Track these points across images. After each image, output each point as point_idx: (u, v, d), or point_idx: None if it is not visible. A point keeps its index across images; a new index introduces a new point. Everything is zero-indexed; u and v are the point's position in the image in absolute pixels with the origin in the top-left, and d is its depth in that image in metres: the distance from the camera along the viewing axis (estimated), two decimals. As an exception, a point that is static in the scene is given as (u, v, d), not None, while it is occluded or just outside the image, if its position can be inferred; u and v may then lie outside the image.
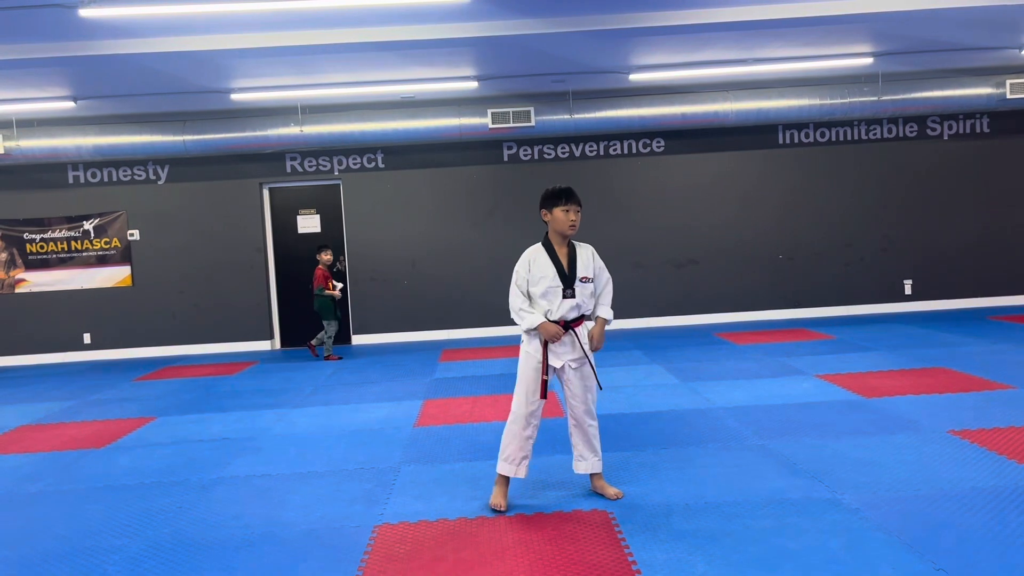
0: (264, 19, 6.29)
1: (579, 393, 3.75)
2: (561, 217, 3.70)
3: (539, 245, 3.79)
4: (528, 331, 3.73)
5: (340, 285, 9.00)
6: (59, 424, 6.26)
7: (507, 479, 3.78)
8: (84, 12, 5.72)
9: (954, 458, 4.12)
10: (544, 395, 3.71)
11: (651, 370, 7.10)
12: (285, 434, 5.50)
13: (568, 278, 3.70)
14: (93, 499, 4.26)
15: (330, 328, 8.86)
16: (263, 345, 10.10)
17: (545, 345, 3.69)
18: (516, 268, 3.76)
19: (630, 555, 3.14)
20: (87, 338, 10.02)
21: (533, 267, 3.73)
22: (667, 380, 6.61)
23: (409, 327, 10.06)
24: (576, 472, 3.85)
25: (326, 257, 8.87)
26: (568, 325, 3.71)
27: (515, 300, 3.73)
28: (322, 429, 5.59)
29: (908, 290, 10.24)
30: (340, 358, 8.87)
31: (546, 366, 3.69)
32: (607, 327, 3.84)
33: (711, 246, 10.11)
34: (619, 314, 9.90)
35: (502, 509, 3.70)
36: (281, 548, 3.41)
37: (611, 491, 3.79)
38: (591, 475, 3.87)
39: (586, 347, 3.73)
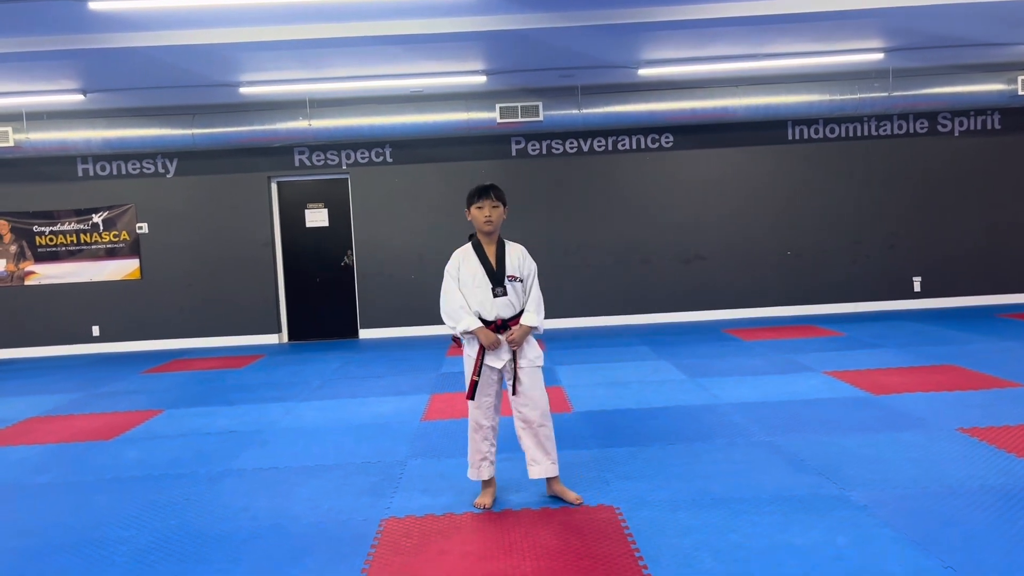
0: (273, 13, 6.30)
1: (532, 395, 3.68)
2: (476, 215, 3.71)
3: (468, 245, 3.78)
4: (464, 334, 3.69)
5: None
6: (68, 416, 6.29)
7: (488, 480, 3.77)
8: (94, 5, 5.73)
9: (962, 456, 4.10)
10: (472, 396, 3.68)
11: (658, 366, 7.09)
12: (292, 427, 5.52)
13: (497, 276, 3.68)
14: (101, 491, 4.28)
15: None
16: (271, 339, 10.12)
17: (482, 347, 3.66)
18: (447, 268, 3.75)
19: (636, 550, 3.13)
20: (96, 330, 10.06)
21: (463, 267, 3.72)
22: (674, 376, 6.60)
23: (416, 321, 10.06)
24: (531, 477, 3.76)
25: None
26: (506, 324, 3.68)
27: (454, 299, 3.68)
28: (329, 422, 5.60)
29: (917, 287, 10.19)
30: None
31: (478, 367, 3.66)
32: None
33: (719, 242, 10.09)
34: (626, 309, 10.04)
35: (485, 507, 3.69)
36: (288, 540, 3.42)
37: (571, 495, 3.70)
38: (547, 479, 3.78)
39: (519, 350, 3.68)
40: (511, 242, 3.82)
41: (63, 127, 9.19)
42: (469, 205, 3.75)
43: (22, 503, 4.16)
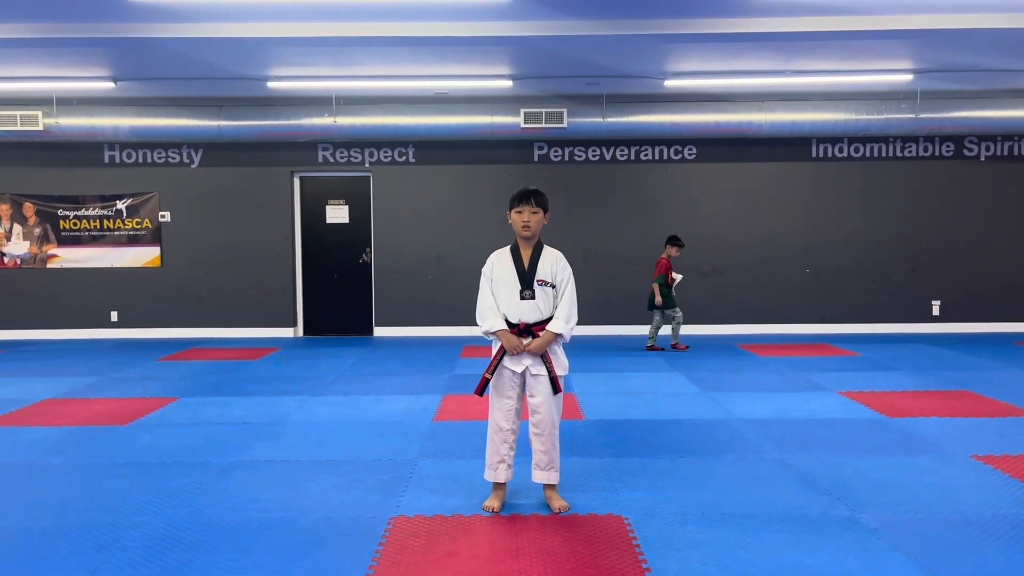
0: (304, 9, 6.34)
1: (550, 403, 3.70)
2: (516, 219, 3.74)
3: (507, 247, 3.82)
4: (487, 334, 3.73)
5: (679, 277, 8.78)
6: (84, 399, 6.35)
7: (500, 483, 3.78)
8: (129, -6, 5.80)
9: (976, 483, 4.06)
10: (480, 393, 3.72)
11: (672, 378, 7.08)
12: (305, 421, 5.55)
13: (527, 279, 3.70)
14: (114, 475, 4.32)
15: (664, 316, 8.73)
16: (286, 332, 10.18)
17: (502, 348, 3.69)
18: (483, 269, 3.79)
19: (644, 562, 3.13)
20: (114, 316, 10.16)
21: (496, 267, 3.76)
22: (687, 389, 6.59)
23: (431, 322, 10.10)
24: (533, 480, 3.79)
25: (675, 252, 8.68)
26: (529, 329, 3.68)
27: (484, 299, 3.74)
28: (342, 418, 5.62)
29: (936, 311, 10.12)
30: (687, 347, 8.79)
31: (494, 366, 3.69)
32: (564, 343, 3.76)
33: (738, 256, 10.06)
34: (642, 319, 10.02)
35: (493, 510, 3.70)
36: (297, 534, 3.44)
37: (558, 503, 3.72)
38: (544, 485, 3.80)
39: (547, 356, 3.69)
40: (551, 248, 3.81)
41: (92, 113, 9.29)
42: (510, 209, 3.77)
43: (36, 484, 4.20)
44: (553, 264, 3.74)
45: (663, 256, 8.72)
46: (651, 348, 8.78)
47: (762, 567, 3.07)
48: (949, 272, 10.07)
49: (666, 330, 8.96)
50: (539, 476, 3.77)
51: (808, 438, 4.97)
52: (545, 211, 3.76)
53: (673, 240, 8.75)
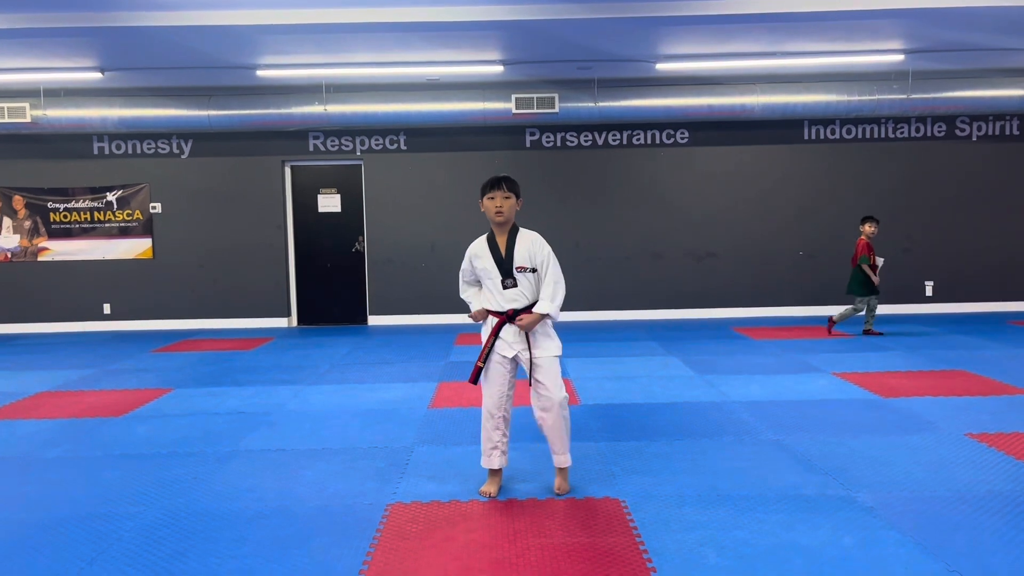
0: (293, -4, 6.31)
1: (548, 386, 3.66)
2: (488, 206, 3.73)
3: (483, 236, 3.80)
4: (473, 318, 3.83)
5: (883, 261, 8.41)
6: (78, 392, 6.33)
7: (496, 469, 3.78)
8: (115, -17, 5.74)
9: (971, 461, 4.08)
10: (475, 380, 3.73)
11: (667, 361, 7.08)
12: (300, 410, 5.54)
13: (506, 267, 3.68)
14: (110, 467, 4.31)
15: (873, 302, 8.36)
16: (280, 322, 10.15)
17: (493, 334, 3.68)
18: (462, 264, 3.82)
19: (641, 543, 3.13)
20: (107, 308, 10.12)
21: (475, 260, 3.76)
22: (682, 372, 6.59)
23: (426, 310, 10.08)
24: (555, 466, 3.77)
25: (871, 229, 8.30)
26: (518, 315, 3.66)
27: (462, 290, 3.90)
28: (337, 407, 5.62)
29: (929, 291, 10.14)
30: (882, 333, 8.40)
31: (485, 354, 3.70)
32: (555, 323, 3.75)
33: (731, 240, 10.06)
34: (637, 304, 10.03)
35: (490, 496, 3.70)
36: (294, 522, 3.44)
37: (558, 483, 3.74)
38: (557, 468, 3.78)
39: (529, 336, 3.67)
40: (526, 230, 3.77)
41: (80, 104, 9.22)
42: (482, 196, 3.75)
43: (32, 476, 4.19)
44: (529, 247, 3.69)
45: (861, 237, 8.33)
46: (870, 332, 8.40)
47: (759, 547, 3.08)
48: (942, 252, 10.09)
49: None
50: (556, 460, 3.75)
51: (803, 419, 4.99)
52: (517, 196, 3.74)
53: (869, 218, 8.35)
